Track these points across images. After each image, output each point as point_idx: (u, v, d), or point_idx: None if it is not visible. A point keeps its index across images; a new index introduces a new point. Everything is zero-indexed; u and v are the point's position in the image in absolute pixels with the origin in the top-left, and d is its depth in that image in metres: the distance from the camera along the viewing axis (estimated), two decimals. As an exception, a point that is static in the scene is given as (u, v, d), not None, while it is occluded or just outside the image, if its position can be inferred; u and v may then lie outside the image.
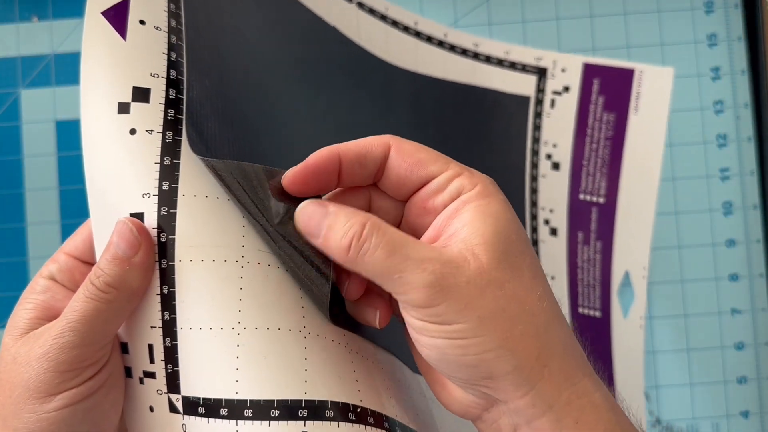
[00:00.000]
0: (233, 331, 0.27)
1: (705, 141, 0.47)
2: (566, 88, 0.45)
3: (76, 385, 0.27)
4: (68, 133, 0.47)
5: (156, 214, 0.28)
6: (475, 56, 0.45)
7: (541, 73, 0.45)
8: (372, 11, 0.44)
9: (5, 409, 0.27)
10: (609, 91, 0.44)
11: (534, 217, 0.44)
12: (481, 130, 0.45)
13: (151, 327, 0.28)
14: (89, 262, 0.30)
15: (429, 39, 0.45)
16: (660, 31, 0.47)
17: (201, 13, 0.34)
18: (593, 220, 0.44)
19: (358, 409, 0.27)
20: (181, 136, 0.29)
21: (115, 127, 0.29)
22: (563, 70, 0.45)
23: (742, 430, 0.45)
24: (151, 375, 0.28)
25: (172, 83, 0.30)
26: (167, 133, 0.29)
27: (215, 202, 0.29)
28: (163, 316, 0.28)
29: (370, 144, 0.28)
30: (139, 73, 0.29)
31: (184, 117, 0.29)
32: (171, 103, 0.29)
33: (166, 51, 0.30)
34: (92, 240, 0.29)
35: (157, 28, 0.31)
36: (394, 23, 0.44)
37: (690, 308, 0.46)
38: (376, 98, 0.43)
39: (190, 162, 0.29)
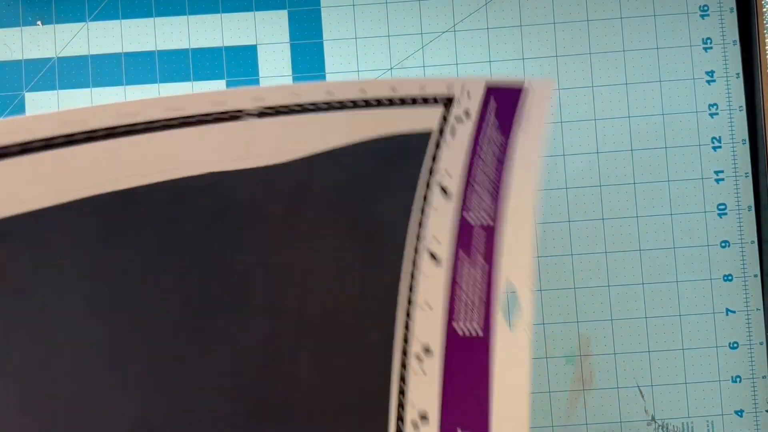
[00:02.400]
0: None
1: (700, 143, 0.47)
2: (467, 113, 0.41)
3: None
4: (72, 136, 0.47)
5: None
6: (390, 102, 0.40)
7: (449, 101, 0.41)
8: (278, 111, 0.37)
9: None
10: (502, 109, 0.42)
11: (416, 251, 0.40)
12: (363, 189, 0.39)
13: None
14: None
15: (340, 105, 0.38)
16: (656, 34, 0.47)
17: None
18: (478, 240, 0.42)
19: None
20: None
21: None
22: (468, 95, 0.41)
23: (737, 428, 0.46)
24: None
25: None
26: None
27: None
28: None
29: None
30: None
31: None
32: None
33: None
34: None
35: None
36: (302, 108, 0.37)
37: (685, 308, 0.47)
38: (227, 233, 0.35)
39: None
